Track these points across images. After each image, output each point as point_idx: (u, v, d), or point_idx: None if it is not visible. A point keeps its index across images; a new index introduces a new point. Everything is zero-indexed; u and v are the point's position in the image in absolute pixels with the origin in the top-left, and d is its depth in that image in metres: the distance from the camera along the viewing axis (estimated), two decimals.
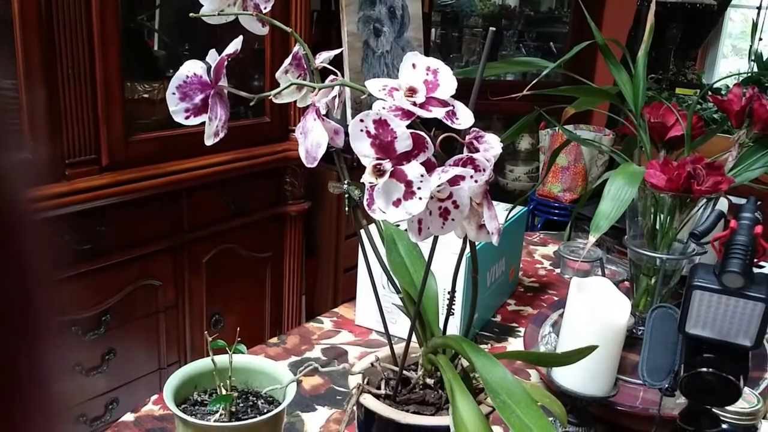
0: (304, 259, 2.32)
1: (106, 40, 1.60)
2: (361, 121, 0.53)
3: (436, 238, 0.66)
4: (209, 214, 1.95)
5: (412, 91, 0.55)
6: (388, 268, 0.75)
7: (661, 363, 0.67)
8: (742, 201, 0.67)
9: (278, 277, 2.24)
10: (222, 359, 0.79)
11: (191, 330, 1.97)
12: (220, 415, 0.76)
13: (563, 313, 0.89)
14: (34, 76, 1.48)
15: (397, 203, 0.54)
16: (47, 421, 0.21)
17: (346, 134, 0.59)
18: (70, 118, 1.57)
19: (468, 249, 0.68)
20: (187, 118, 0.56)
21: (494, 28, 0.60)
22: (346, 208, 0.72)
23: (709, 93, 1.34)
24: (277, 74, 0.68)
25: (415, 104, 0.55)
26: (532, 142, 3.50)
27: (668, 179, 0.88)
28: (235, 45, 0.57)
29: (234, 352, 0.79)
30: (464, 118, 0.56)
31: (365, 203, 0.55)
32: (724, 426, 0.74)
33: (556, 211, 3.18)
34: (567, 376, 0.83)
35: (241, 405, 0.79)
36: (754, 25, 2.87)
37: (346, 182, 0.71)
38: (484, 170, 0.57)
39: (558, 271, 1.46)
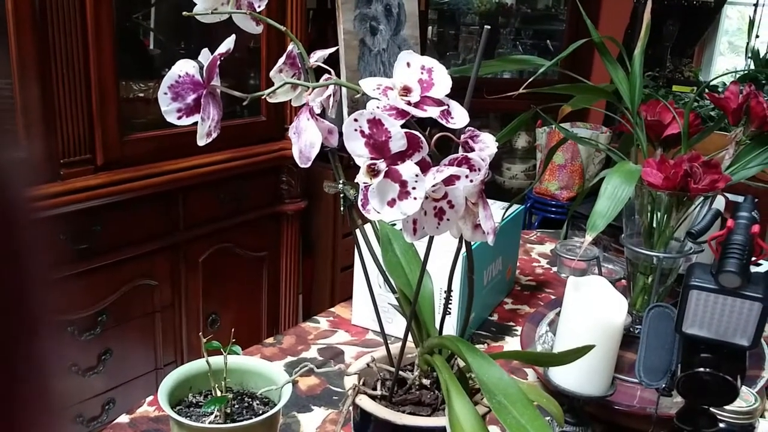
0: (301, 258, 2.32)
1: (101, 39, 1.59)
2: (356, 120, 0.53)
3: (431, 238, 0.65)
4: (205, 213, 1.95)
5: (406, 91, 0.55)
6: (384, 268, 0.75)
7: (658, 363, 0.66)
8: (739, 198, 0.66)
9: (275, 277, 2.24)
10: (217, 360, 0.79)
11: (188, 330, 1.96)
12: (215, 416, 0.76)
13: (560, 311, 0.89)
14: (28, 75, 1.47)
15: (391, 203, 0.54)
16: (45, 420, 0.21)
17: (341, 134, 0.59)
18: (65, 118, 1.56)
19: (464, 248, 0.68)
20: (179, 118, 0.55)
21: (489, 27, 0.60)
22: (342, 208, 0.72)
23: (706, 90, 1.33)
24: (271, 73, 0.67)
25: (409, 103, 0.54)
26: (529, 140, 3.50)
27: (665, 177, 0.88)
28: (228, 44, 0.56)
29: (229, 353, 0.79)
30: (459, 117, 0.56)
31: (360, 203, 0.55)
32: (722, 425, 0.74)
33: (553, 209, 3.17)
34: (564, 376, 0.83)
35: (236, 406, 0.79)
36: (751, 22, 2.87)
37: (341, 182, 0.71)
38: (479, 170, 0.56)
39: (555, 269, 1.46)
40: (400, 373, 0.74)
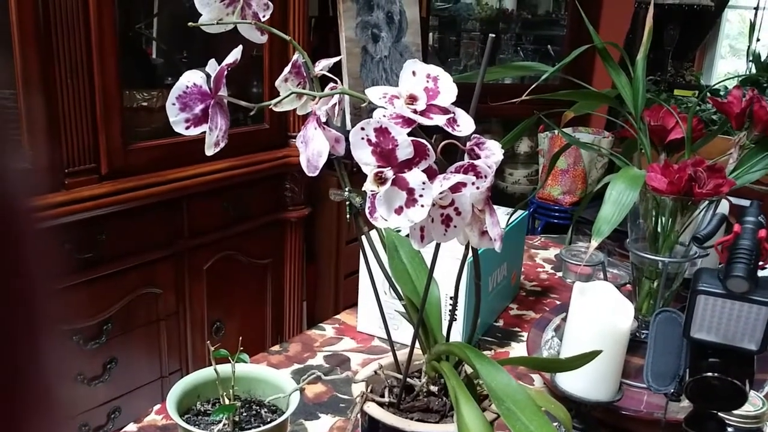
0: (305, 265, 2.32)
1: (104, 48, 1.60)
2: (362, 129, 0.53)
3: (438, 245, 0.66)
4: (209, 221, 1.95)
5: (412, 99, 0.55)
6: (391, 275, 0.75)
7: (666, 368, 0.66)
8: (743, 202, 0.67)
9: (279, 284, 2.24)
10: (224, 368, 0.79)
11: (192, 337, 1.96)
12: (224, 425, 0.76)
13: (566, 317, 0.89)
14: (32, 85, 1.48)
15: (399, 211, 0.54)
16: (50, 428, 0.21)
17: (347, 141, 0.59)
18: (69, 127, 1.57)
19: (470, 254, 0.68)
20: (187, 128, 0.56)
21: (494, 35, 0.60)
22: (348, 216, 0.72)
23: (708, 95, 1.34)
24: (277, 83, 0.68)
25: (415, 112, 0.55)
26: (531, 146, 3.50)
27: (669, 182, 0.88)
28: (235, 55, 0.57)
29: (236, 361, 0.79)
30: (465, 125, 0.56)
31: (367, 211, 0.55)
32: (730, 430, 0.74)
33: (556, 214, 3.17)
34: (571, 381, 0.83)
35: (244, 414, 0.79)
36: (752, 26, 2.87)
37: (347, 189, 0.71)
38: (485, 177, 0.57)
39: (559, 274, 1.46)
40: (408, 380, 0.74)
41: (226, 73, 0.57)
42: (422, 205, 0.53)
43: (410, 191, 0.53)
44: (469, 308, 1.07)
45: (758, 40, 2.84)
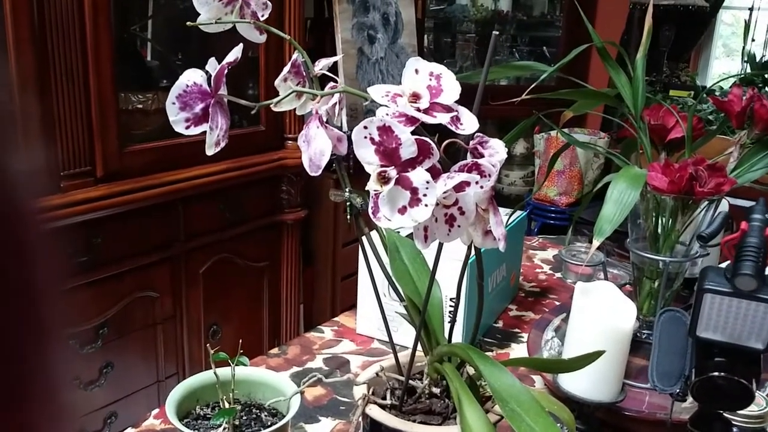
0: (302, 268, 2.31)
1: (100, 51, 1.59)
2: (365, 128, 0.52)
3: (441, 245, 0.65)
4: (205, 224, 1.94)
5: (415, 97, 0.54)
6: (392, 276, 0.74)
7: (672, 367, 0.66)
8: (742, 202, 0.66)
9: (276, 286, 2.23)
10: (224, 372, 0.78)
11: (189, 341, 1.95)
12: (224, 428, 0.75)
13: (565, 317, 0.88)
14: (27, 87, 1.47)
15: (402, 210, 0.53)
16: (54, 429, 0.21)
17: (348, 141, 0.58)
18: (65, 130, 1.56)
19: (472, 255, 0.67)
20: (187, 128, 0.55)
21: (496, 32, 0.60)
22: (348, 216, 0.71)
23: (705, 95, 1.34)
24: (276, 82, 0.67)
25: (419, 110, 0.54)
26: (527, 147, 3.50)
27: (670, 181, 0.87)
28: (236, 53, 0.56)
29: (236, 365, 0.78)
30: (469, 123, 0.56)
31: (370, 211, 0.54)
32: (734, 429, 0.73)
33: (553, 215, 3.17)
34: (573, 382, 0.82)
35: (244, 418, 0.78)
36: (747, 26, 2.88)
37: (347, 190, 0.70)
38: (489, 176, 0.56)
39: (558, 275, 1.46)
40: (410, 381, 0.73)
41: (226, 71, 0.56)
42: (426, 205, 0.53)
43: (414, 191, 0.53)
44: (469, 310, 1.06)
45: (753, 40, 2.85)
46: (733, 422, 0.75)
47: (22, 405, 0.20)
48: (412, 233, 0.59)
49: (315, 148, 0.57)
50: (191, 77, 0.55)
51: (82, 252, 1.61)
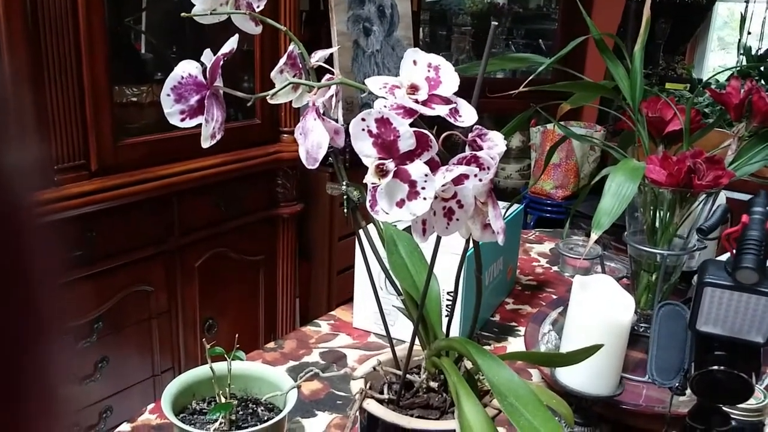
0: (298, 262, 2.30)
1: (93, 44, 1.58)
2: (363, 120, 0.52)
3: (439, 239, 0.64)
4: (201, 218, 1.93)
5: (414, 89, 0.54)
6: (389, 270, 0.74)
7: (671, 361, 0.65)
8: (739, 195, 0.66)
9: (272, 281, 2.22)
10: (220, 366, 0.78)
11: (185, 335, 1.95)
12: (220, 423, 0.74)
13: (563, 311, 0.88)
14: (21, 81, 1.46)
15: (400, 204, 0.53)
16: (51, 425, 0.21)
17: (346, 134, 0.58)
18: (59, 123, 1.54)
19: (470, 248, 0.67)
20: (182, 120, 0.54)
21: (495, 23, 0.59)
22: (345, 210, 0.71)
23: (703, 87, 1.34)
24: (272, 74, 0.66)
25: (417, 102, 0.53)
26: (523, 140, 3.50)
27: (668, 174, 0.87)
28: (231, 44, 0.55)
29: (233, 359, 0.78)
30: (467, 115, 0.55)
31: (368, 204, 0.54)
32: (732, 423, 0.73)
33: (549, 208, 3.17)
34: (571, 376, 0.82)
35: (240, 413, 0.78)
36: (743, 19, 2.87)
37: (344, 183, 0.69)
38: (488, 168, 0.55)
39: (555, 268, 1.45)
40: (407, 376, 0.73)
41: (221, 63, 0.55)
42: (424, 198, 0.52)
43: (412, 183, 0.52)
44: (467, 303, 1.06)
45: (749, 33, 2.85)
46: (732, 416, 0.75)
47: (19, 399, 0.20)
48: (409, 227, 0.58)
49: (312, 141, 0.56)
50: (186, 69, 0.54)
51: (76, 246, 1.60)
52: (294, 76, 0.67)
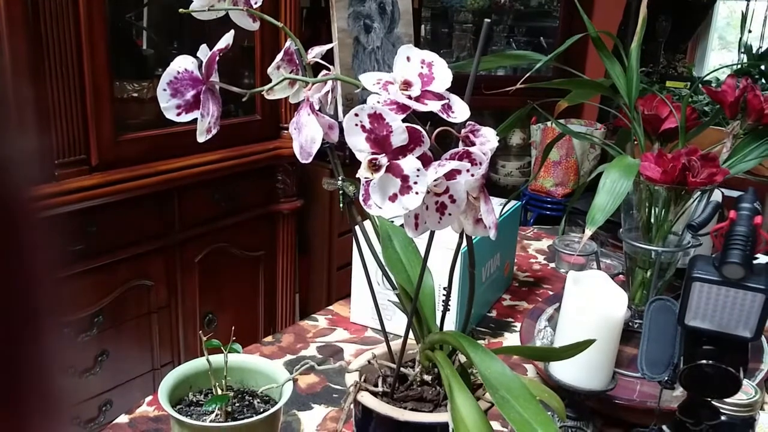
0: (297, 257, 2.31)
1: (94, 39, 1.59)
2: (356, 115, 0.52)
3: (432, 234, 0.65)
4: (201, 213, 1.94)
5: (407, 85, 0.54)
6: (384, 265, 0.74)
7: (661, 356, 0.66)
8: (734, 193, 0.66)
9: (271, 276, 2.23)
10: (217, 359, 0.79)
11: (184, 330, 1.96)
12: (216, 415, 0.75)
13: (559, 307, 0.88)
14: (21, 76, 1.46)
15: (393, 198, 0.53)
16: (49, 419, 0.21)
17: (340, 132, 0.58)
18: (59, 118, 1.55)
19: (464, 244, 0.68)
20: (178, 114, 0.55)
21: (489, 20, 0.60)
22: (341, 205, 0.72)
23: (701, 85, 1.34)
24: (269, 70, 0.67)
25: (410, 98, 0.54)
26: (523, 137, 3.50)
27: (663, 171, 0.88)
28: (227, 39, 0.56)
29: (229, 352, 0.79)
30: (460, 111, 0.56)
31: (361, 198, 0.54)
32: (723, 418, 0.74)
33: (549, 206, 3.18)
34: (565, 371, 0.83)
35: (237, 405, 0.78)
36: (744, 17, 2.87)
37: (340, 179, 0.70)
38: (480, 164, 0.56)
39: (552, 265, 1.46)
40: (402, 369, 0.73)
41: (217, 58, 0.56)
42: (417, 193, 0.53)
43: (405, 178, 0.53)
44: (462, 298, 1.06)
45: (750, 31, 2.85)
46: (722, 411, 0.76)
47: (16, 392, 0.20)
48: None
49: (306, 136, 0.57)
50: (182, 64, 0.55)
51: (76, 241, 1.61)
52: (291, 72, 0.67)
